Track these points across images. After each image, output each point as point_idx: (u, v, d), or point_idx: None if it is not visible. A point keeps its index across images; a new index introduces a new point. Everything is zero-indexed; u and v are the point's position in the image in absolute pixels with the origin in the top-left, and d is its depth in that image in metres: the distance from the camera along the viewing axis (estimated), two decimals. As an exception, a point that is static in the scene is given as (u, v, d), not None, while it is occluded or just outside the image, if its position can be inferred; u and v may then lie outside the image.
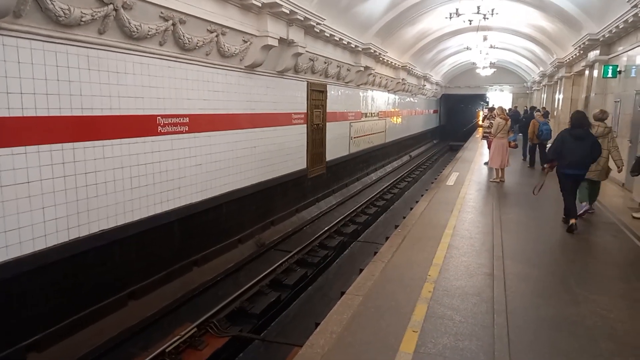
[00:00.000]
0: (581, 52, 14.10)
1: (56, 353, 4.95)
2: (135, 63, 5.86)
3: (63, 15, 4.62)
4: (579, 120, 6.80)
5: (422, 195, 10.71)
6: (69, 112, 5.01)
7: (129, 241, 6.02)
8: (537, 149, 12.96)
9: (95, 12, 4.95)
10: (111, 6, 5.10)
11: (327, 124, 12.66)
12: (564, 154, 6.74)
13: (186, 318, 6.10)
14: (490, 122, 13.07)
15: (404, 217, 8.32)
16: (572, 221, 6.67)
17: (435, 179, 13.58)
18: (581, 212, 7.37)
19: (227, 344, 5.61)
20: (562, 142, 6.77)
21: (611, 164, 7.57)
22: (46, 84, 4.73)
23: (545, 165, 7.42)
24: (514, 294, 4.52)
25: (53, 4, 4.48)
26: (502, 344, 3.57)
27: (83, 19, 4.85)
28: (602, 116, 7.55)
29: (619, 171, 7.51)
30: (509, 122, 11.29)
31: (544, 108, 17.10)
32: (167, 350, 5.18)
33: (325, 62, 11.69)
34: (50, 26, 4.65)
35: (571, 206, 6.86)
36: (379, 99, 18.45)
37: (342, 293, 4.70)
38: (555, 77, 20.65)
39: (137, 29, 5.56)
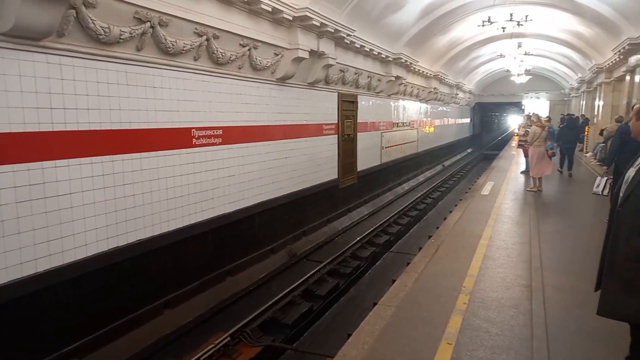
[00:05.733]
0: (621, 57, 13.64)
1: (95, 360, 5.09)
2: (171, 78, 6.05)
3: (103, 33, 4.83)
4: (571, 119, 14.73)
5: (456, 205, 10.52)
6: (109, 126, 5.21)
7: (164, 251, 6.15)
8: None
9: (133, 29, 5.15)
10: (148, 24, 5.29)
11: (358, 134, 12.66)
12: (563, 137, 13.39)
13: (220, 327, 6.17)
14: (526, 130, 12.77)
15: (438, 227, 8.18)
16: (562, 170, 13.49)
17: (470, 188, 13.33)
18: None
19: (260, 353, 5.63)
20: (562, 131, 13.95)
21: None
22: (87, 100, 4.94)
23: (555, 143, 12.75)
24: (553, 306, 4.36)
25: (94, 23, 4.69)
26: (542, 358, 3.45)
27: (122, 37, 5.05)
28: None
29: None
30: (546, 130, 11.01)
31: (566, 115, 18.96)
32: (201, 358, 5.24)
33: (356, 73, 11.73)
34: (91, 44, 4.87)
35: (563, 163, 13.67)
36: (411, 109, 18.33)
37: (375, 304, 4.66)
38: (595, 83, 19.99)
39: (172, 45, 5.74)
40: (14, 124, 4.26)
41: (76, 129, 4.84)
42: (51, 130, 4.59)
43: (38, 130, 4.47)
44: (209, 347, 5.42)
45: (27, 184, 4.40)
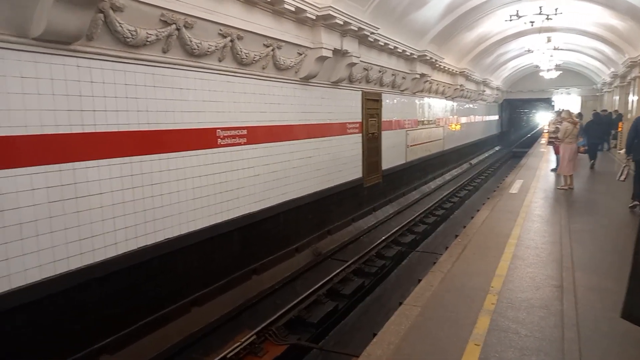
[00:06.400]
0: (657, 49, 13.13)
1: (125, 356, 5.20)
2: (196, 79, 6.13)
3: (130, 36, 4.93)
4: (598, 115, 16.54)
5: (483, 204, 10.34)
6: (137, 127, 5.31)
7: (191, 250, 6.24)
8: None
9: (159, 32, 5.24)
10: (174, 26, 5.38)
11: (383, 132, 12.56)
12: (589, 132, 13.74)
13: (246, 325, 6.22)
14: (557, 127, 12.45)
15: (465, 227, 8.04)
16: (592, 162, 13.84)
17: (498, 186, 13.07)
18: None
19: (286, 351, 5.66)
20: (588, 126, 14.38)
21: None
22: (116, 102, 5.05)
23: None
24: (585, 307, 4.23)
25: (122, 27, 4.79)
26: (573, 360, 3.35)
27: (148, 39, 5.14)
28: None
29: None
30: (578, 127, 10.70)
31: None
32: (228, 356, 5.30)
33: (380, 71, 11.65)
34: (119, 47, 4.98)
35: (591, 155, 13.84)
36: (436, 106, 18.09)
37: (400, 304, 4.61)
38: (628, 78, 19.27)
39: (197, 46, 5.82)
40: (46, 126, 4.39)
41: (105, 131, 4.96)
42: (82, 132, 4.72)
43: (69, 132, 4.60)
44: (235, 345, 5.48)
45: (59, 184, 4.53)
